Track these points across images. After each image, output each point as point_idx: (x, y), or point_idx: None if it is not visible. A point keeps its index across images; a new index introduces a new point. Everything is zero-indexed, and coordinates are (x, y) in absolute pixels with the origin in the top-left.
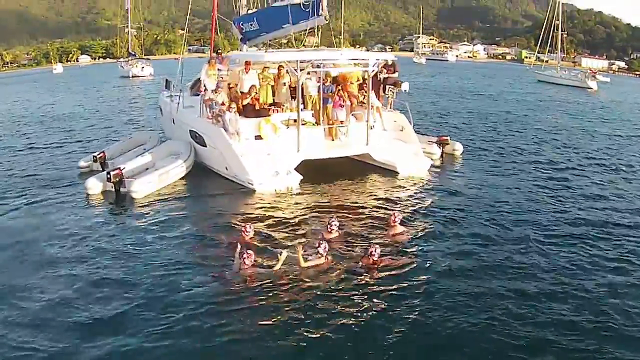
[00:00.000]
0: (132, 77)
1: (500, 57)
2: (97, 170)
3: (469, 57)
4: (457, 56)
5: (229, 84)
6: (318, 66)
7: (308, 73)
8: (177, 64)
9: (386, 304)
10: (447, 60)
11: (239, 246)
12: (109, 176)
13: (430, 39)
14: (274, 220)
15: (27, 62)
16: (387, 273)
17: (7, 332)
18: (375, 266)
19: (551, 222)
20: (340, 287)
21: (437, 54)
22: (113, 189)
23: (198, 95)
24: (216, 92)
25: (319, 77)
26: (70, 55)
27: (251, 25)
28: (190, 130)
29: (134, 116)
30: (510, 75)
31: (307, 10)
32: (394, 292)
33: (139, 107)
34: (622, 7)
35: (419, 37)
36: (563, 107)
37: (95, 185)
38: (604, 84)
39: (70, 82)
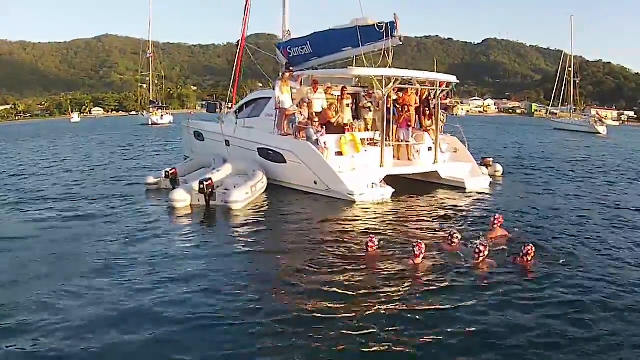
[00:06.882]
0: (152, 124)
1: (510, 111)
2: (166, 188)
3: (479, 111)
4: (467, 111)
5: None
6: (404, 82)
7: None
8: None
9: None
10: (456, 115)
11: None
12: (202, 186)
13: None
14: (387, 230)
15: (40, 112)
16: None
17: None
18: (528, 266)
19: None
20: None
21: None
22: (203, 202)
23: (255, 117)
24: (300, 107)
25: (383, 100)
26: (84, 107)
27: (302, 49)
28: (259, 149)
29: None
30: (525, 124)
31: (381, 31)
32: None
33: (169, 145)
34: (631, 57)
35: None
36: (576, 146)
37: (183, 197)
38: (612, 127)
39: (91, 130)
